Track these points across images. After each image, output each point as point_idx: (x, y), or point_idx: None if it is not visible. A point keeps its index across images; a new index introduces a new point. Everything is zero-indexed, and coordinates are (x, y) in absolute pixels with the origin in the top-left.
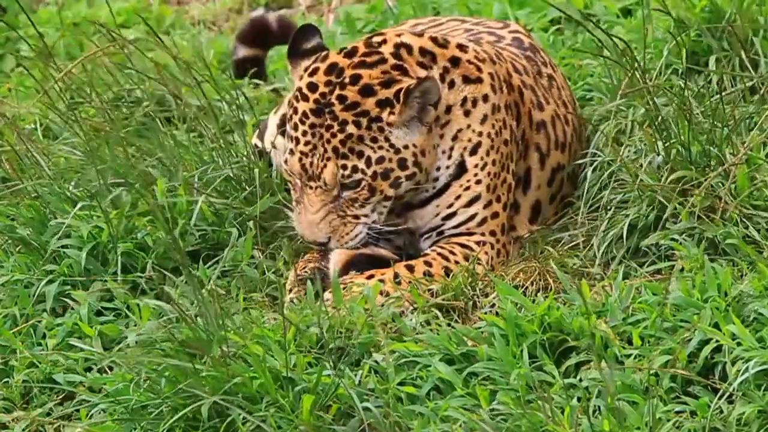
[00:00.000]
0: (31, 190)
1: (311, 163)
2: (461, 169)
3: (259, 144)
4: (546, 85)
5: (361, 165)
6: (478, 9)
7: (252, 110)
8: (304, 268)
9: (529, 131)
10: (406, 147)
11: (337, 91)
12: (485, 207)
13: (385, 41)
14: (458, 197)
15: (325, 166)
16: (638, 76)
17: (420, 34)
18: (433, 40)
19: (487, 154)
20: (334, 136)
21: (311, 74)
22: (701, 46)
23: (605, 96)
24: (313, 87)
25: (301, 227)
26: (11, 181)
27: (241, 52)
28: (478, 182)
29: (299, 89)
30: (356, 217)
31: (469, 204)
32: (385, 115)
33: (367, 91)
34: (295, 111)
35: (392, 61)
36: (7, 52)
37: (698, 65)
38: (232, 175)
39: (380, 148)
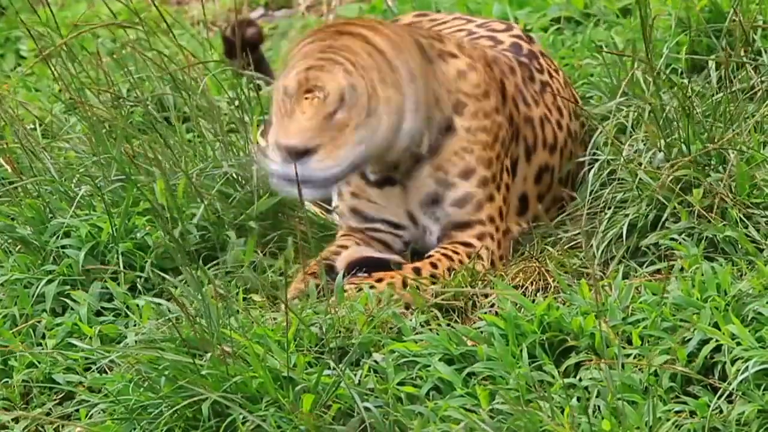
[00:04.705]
0: (32, 189)
1: (311, 76)
2: (448, 129)
3: (263, 142)
4: (537, 89)
5: (364, 83)
6: (478, 9)
7: (252, 109)
8: (306, 281)
9: (518, 117)
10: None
11: (331, 31)
12: (480, 185)
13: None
14: (453, 164)
15: (326, 73)
16: (641, 72)
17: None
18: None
19: (476, 118)
20: (335, 54)
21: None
22: (701, 45)
23: (605, 95)
24: (303, 41)
25: (286, 134)
26: (12, 180)
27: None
28: (470, 152)
29: (291, 52)
30: (348, 140)
31: (465, 176)
32: (376, 54)
33: (351, 25)
34: (296, 54)
35: None
36: (7, 51)
37: (698, 65)
38: (234, 175)
39: (371, 79)
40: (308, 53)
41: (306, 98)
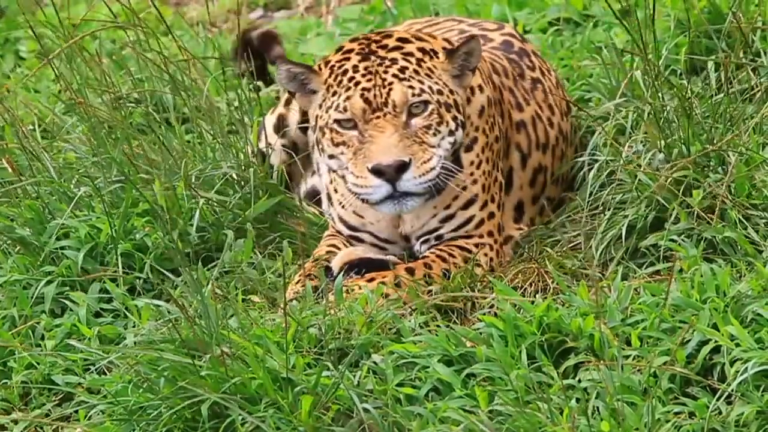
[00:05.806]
0: (31, 190)
1: (375, 95)
2: (456, 164)
3: (261, 144)
4: (528, 87)
5: (426, 87)
6: (477, 10)
7: (251, 111)
8: (303, 282)
9: (511, 130)
10: (456, 93)
11: (374, 47)
12: (482, 208)
13: (390, 35)
14: (455, 198)
15: (391, 89)
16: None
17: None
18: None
19: (483, 152)
20: (389, 67)
21: (338, 51)
22: (700, 46)
23: (604, 97)
24: (348, 51)
25: (377, 156)
26: (12, 181)
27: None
28: (474, 182)
29: (333, 64)
30: (431, 146)
31: (467, 206)
32: (427, 59)
33: (405, 40)
34: (344, 72)
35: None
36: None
37: (698, 66)
38: (234, 176)
39: (436, 83)
40: (352, 74)
41: (377, 117)
